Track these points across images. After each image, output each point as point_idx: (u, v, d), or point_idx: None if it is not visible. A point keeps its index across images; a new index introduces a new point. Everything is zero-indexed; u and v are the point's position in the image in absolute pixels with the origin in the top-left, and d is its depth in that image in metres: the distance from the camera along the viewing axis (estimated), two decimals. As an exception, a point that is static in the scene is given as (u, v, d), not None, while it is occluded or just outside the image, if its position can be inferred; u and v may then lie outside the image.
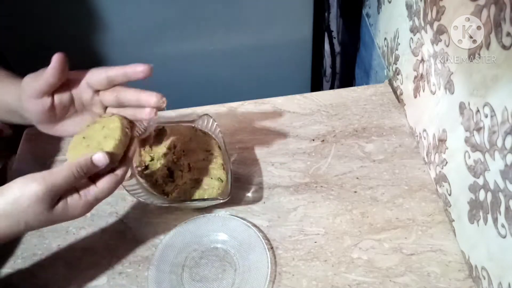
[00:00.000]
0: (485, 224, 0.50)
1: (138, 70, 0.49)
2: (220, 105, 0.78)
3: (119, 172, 0.49)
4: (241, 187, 0.66)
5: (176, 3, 0.77)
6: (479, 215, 0.51)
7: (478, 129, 0.49)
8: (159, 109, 0.51)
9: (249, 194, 0.65)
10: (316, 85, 1.04)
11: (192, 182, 0.62)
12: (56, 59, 0.47)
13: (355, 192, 0.65)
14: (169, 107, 0.76)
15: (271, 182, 0.67)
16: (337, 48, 1.08)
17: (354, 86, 0.86)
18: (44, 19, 0.76)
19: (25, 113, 0.52)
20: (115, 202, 0.66)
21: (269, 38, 0.85)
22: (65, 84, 0.51)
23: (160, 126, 0.67)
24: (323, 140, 0.71)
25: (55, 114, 0.52)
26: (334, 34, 1.06)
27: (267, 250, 0.57)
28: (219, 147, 0.65)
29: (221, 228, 0.61)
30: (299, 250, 0.59)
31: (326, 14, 1.03)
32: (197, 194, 0.61)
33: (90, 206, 0.48)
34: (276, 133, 0.73)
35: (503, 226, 0.46)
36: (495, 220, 0.47)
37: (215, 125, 0.66)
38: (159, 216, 0.64)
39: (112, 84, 0.51)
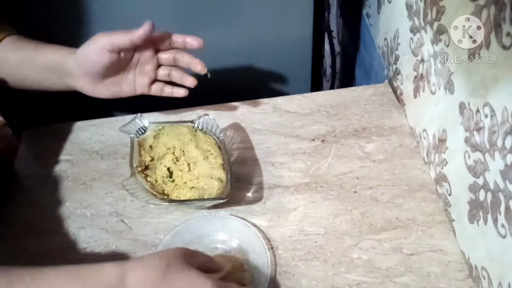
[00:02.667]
0: (485, 224, 0.50)
1: (194, 44, 0.63)
2: (220, 105, 0.78)
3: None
4: (241, 187, 0.66)
5: (176, 2, 0.76)
6: (479, 215, 0.51)
7: (478, 129, 0.49)
8: (201, 72, 0.65)
9: (249, 194, 0.65)
10: (316, 85, 1.04)
11: (192, 182, 0.62)
12: (148, 26, 0.58)
13: (355, 192, 0.65)
14: (169, 107, 0.76)
15: (271, 182, 0.67)
16: (337, 48, 1.08)
17: (354, 86, 0.86)
18: (43, 19, 0.76)
19: (77, 66, 0.60)
20: (115, 202, 0.66)
21: (269, 38, 0.84)
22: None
23: (160, 126, 0.67)
24: (323, 140, 0.71)
25: (112, 69, 0.61)
26: (334, 34, 1.06)
27: (267, 250, 0.57)
28: (219, 147, 0.65)
29: (221, 228, 0.61)
30: (299, 250, 0.59)
31: (326, 14, 1.03)
32: (197, 194, 0.60)
33: None
34: (276, 133, 0.73)
35: (503, 226, 0.46)
36: (495, 220, 0.47)
37: (215, 125, 0.66)
38: (159, 216, 0.64)
39: (172, 47, 0.64)
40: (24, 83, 0.64)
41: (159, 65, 0.66)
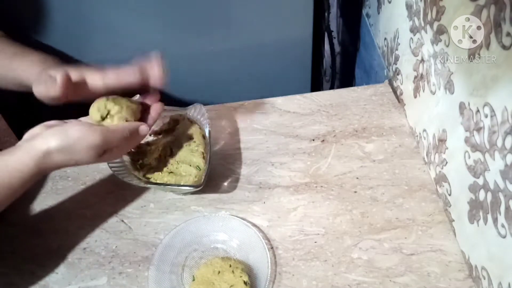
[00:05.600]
0: (485, 224, 0.50)
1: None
2: (220, 105, 0.78)
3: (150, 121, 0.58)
4: (241, 187, 0.66)
5: (176, 3, 0.76)
6: (479, 215, 0.51)
7: (478, 129, 0.49)
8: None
9: (249, 194, 0.65)
10: (316, 85, 1.04)
11: (172, 166, 0.64)
12: (61, 81, 0.53)
13: (355, 192, 0.65)
14: (169, 106, 0.76)
15: (271, 182, 0.67)
16: (337, 48, 1.08)
17: (354, 86, 0.86)
18: (41, 21, 0.76)
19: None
20: (115, 202, 0.66)
21: (269, 38, 0.84)
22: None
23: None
24: (323, 140, 0.71)
25: (66, 98, 0.56)
26: (334, 34, 1.06)
27: (267, 250, 0.57)
28: (204, 137, 0.66)
29: (221, 228, 0.61)
30: (299, 250, 0.59)
31: (326, 14, 1.02)
32: (174, 179, 0.62)
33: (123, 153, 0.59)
34: (276, 133, 0.73)
35: (503, 226, 0.46)
36: (495, 220, 0.47)
37: (205, 115, 0.67)
38: (159, 216, 0.64)
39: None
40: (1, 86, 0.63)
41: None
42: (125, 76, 0.56)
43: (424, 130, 0.66)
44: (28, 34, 0.76)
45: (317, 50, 1.00)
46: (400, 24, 0.70)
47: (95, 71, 0.56)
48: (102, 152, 0.52)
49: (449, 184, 0.59)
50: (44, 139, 0.50)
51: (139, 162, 0.65)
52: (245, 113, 0.77)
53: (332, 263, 0.58)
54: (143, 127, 0.56)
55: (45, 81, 0.54)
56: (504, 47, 0.43)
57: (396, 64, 0.75)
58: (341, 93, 0.79)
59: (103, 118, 0.55)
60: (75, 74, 0.55)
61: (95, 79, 0.56)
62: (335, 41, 1.07)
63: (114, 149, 0.54)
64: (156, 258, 0.58)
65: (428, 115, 0.64)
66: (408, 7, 0.66)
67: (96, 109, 0.55)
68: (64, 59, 0.68)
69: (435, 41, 0.58)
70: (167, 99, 0.68)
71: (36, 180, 0.52)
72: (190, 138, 0.66)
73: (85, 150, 0.50)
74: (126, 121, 0.55)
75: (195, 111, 0.68)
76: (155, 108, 0.60)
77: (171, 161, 0.64)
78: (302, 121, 0.75)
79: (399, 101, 0.76)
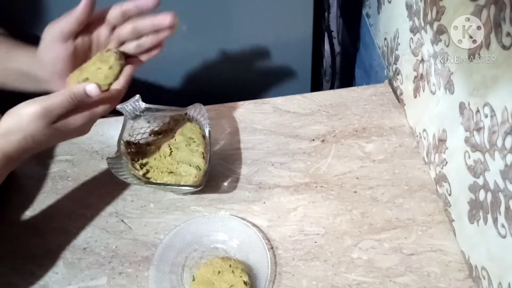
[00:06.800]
0: (485, 224, 0.50)
1: (149, 3, 0.53)
2: (220, 105, 0.78)
3: (114, 90, 0.54)
4: (241, 187, 0.66)
5: (176, 2, 0.76)
6: (479, 215, 0.51)
7: (478, 129, 0.49)
8: (173, 28, 0.55)
9: (249, 194, 0.65)
10: (316, 85, 1.04)
11: (172, 167, 0.64)
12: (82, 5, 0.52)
13: (355, 192, 0.65)
14: (169, 105, 0.76)
15: (271, 182, 0.67)
16: (337, 48, 1.08)
17: (354, 86, 0.86)
18: (41, 21, 0.76)
19: (42, 69, 0.55)
20: (115, 202, 0.66)
21: (269, 38, 0.84)
22: (85, 26, 0.54)
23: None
24: (323, 140, 0.71)
25: (75, 60, 0.55)
26: (334, 34, 1.06)
27: (267, 250, 0.57)
28: (204, 137, 0.66)
29: (221, 228, 0.61)
30: (299, 250, 0.59)
31: (326, 14, 1.03)
32: (174, 179, 0.62)
33: (90, 121, 0.53)
34: (276, 133, 0.73)
35: (503, 226, 0.46)
36: (495, 220, 0.47)
37: (205, 115, 0.67)
38: (159, 216, 0.64)
39: (127, 17, 0.55)
40: None
41: (122, 43, 0.57)
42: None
43: (424, 130, 0.66)
44: (27, 32, 0.76)
45: (317, 50, 1.00)
46: (400, 24, 0.70)
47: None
48: (50, 121, 0.49)
49: (449, 184, 0.59)
50: None
51: (139, 162, 0.65)
52: (245, 113, 0.77)
53: (332, 263, 0.58)
54: (89, 87, 0.51)
55: (59, 20, 0.53)
56: (504, 47, 0.43)
57: (396, 64, 0.75)
58: (341, 93, 0.79)
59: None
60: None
61: (113, 11, 0.54)
62: (335, 41, 1.07)
63: (69, 117, 0.51)
64: (156, 258, 0.58)
65: (428, 115, 0.64)
66: (408, 7, 0.66)
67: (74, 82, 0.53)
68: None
69: (435, 41, 0.58)
70: (167, 99, 0.69)
71: (11, 168, 0.51)
72: (190, 138, 0.66)
73: (31, 122, 0.48)
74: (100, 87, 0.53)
75: (195, 111, 0.68)
76: (126, 70, 0.56)
77: (171, 161, 0.64)
78: (302, 121, 0.75)
79: (399, 101, 0.76)
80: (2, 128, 0.49)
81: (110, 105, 0.55)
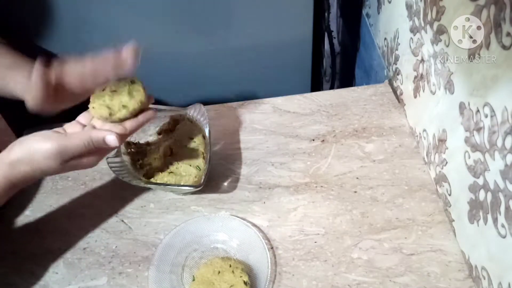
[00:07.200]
0: (485, 224, 0.50)
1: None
2: (220, 105, 0.78)
3: (128, 125, 0.53)
4: (241, 187, 0.66)
5: (176, 3, 0.76)
6: (479, 215, 0.51)
7: (478, 129, 0.49)
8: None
9: (249, 194, 0.65)
10: (316, 85, 1.04)
11: (172, 167, 0.64)
12: (36, 75, 0.51)
13: (355, 192, 0.65)
14: (169, 106, 0.76)
15: (271, 182, 0.67)
16: (337, 48, 1.08)
17: (354, 86, 0.86)
18: (42, 23, 0.76)
19: (32, 96, 0.54)
20: (115, 202, 0.66)
21: (269, 38, 0.84)
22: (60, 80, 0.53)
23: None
24: (323, 140, 0.71)
25: (58, 102, 0.54)
26: (334, 34, 1.06)
27: (267, 250, 0.57)
28: (204, 137, 0.66)
29: (221, 228, 0.61)
30: (299, 250, 0.59)
31: (326, 14, 1.02)
32: (174, 179, 0.63)
33: (101, 158, 0.54)
34: (276, 133, 0.73)
35: (503, 226, 0.46)
36: (495, 220, 0.47)
37: (205, 115, 0.67)
38: (159, 216, 0.64)
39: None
40: None
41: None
42: (101, 62, 0.53)
43: (424, 130, 0.66)
44: (29, 37, 0.76)
45: (317, 50, 1.00)
46: (400, 24, 0.70)
47: (72, 60, 0.54)
48: (64, 161, 0.50)
49: (449, 184, 0.59)
50: (7, 151, 0.50)
51: (139, 162, 0.65)
52: (245, 113, 0.77)
53: (332, 263, 0.58)
54: (109, 137, 0.50)
55: (29, 88, 0.52)
56: (504, 47, 0.43)
57: (396, 64, 0.75)
58: (341, 93, 0.79)
59: (111, 114, 0.52)
60: (55, 68, 0.53)
61: (73, 67, 0.53)
62: (335, 41, 1.07)
63: (83, 158, 0.51)
64: (156, 258, 0.58)
65: (428, 115, 0.64)
66: (408, 7, 0.66)
67: (100, 106, 0.52)
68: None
69: (435, 41, 0.58)
70: (167, 99, 0.69)
71: (13, 193, 0.52)
72: (190, 138, 0.66)
73: (44, 159, 0.49)
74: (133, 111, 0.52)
75: (195, 111, 0.69)
76: (147, 114, 0.55)
77: (171, 161, 0.64)
78: (302, 121, 0.75)
79: (399, 101, 0.76)
80: (12, 158, 0.49)
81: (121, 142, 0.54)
